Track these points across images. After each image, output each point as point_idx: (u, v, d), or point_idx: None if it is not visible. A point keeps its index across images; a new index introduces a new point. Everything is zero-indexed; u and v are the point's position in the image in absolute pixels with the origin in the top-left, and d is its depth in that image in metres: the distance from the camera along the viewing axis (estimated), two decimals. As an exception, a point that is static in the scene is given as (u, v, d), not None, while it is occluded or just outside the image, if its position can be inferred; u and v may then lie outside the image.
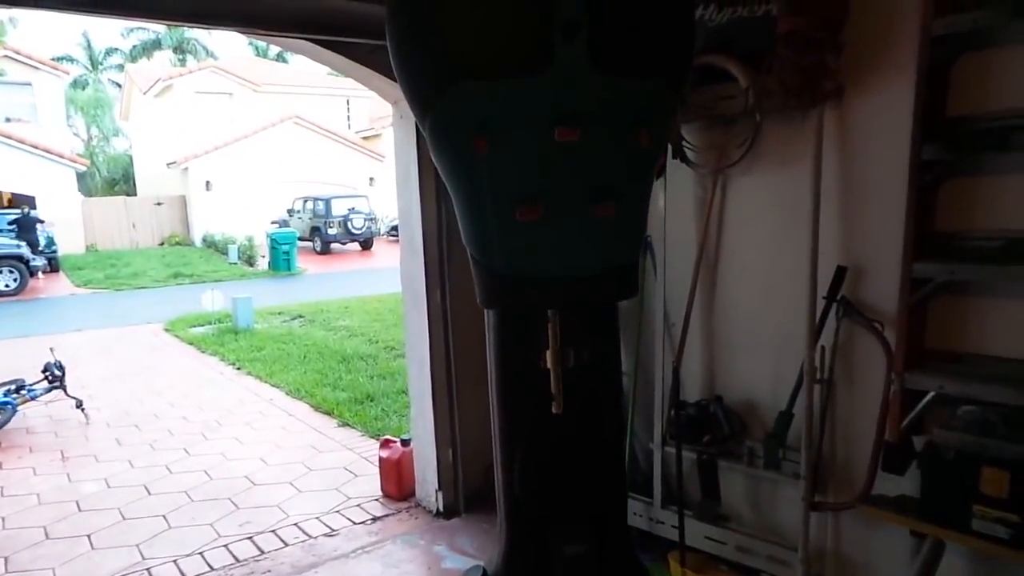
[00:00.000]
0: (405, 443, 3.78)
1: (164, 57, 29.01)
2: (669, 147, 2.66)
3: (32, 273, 14.43)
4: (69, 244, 19.34)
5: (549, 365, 1.42)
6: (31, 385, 5.56)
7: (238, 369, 7.54)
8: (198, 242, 22.22)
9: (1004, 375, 1.93)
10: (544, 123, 1.30)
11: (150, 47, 29.14)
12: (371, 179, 24.02)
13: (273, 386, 6.77)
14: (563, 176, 1.35)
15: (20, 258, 14.11)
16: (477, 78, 1.28)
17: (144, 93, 24.98)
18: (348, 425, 5.40)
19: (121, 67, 29.76)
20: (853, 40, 2.15)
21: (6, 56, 19.78)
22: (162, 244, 22.77)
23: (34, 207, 16.56)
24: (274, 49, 27.17)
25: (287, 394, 6.47)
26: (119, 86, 29.76)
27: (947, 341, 2.14)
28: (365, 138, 25.63)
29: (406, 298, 3.68)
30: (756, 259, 2.62)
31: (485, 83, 1.28)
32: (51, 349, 5.82)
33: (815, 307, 2.34)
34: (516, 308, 1.47)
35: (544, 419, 1.42)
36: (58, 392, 5.69)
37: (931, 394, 2.07)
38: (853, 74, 2.19)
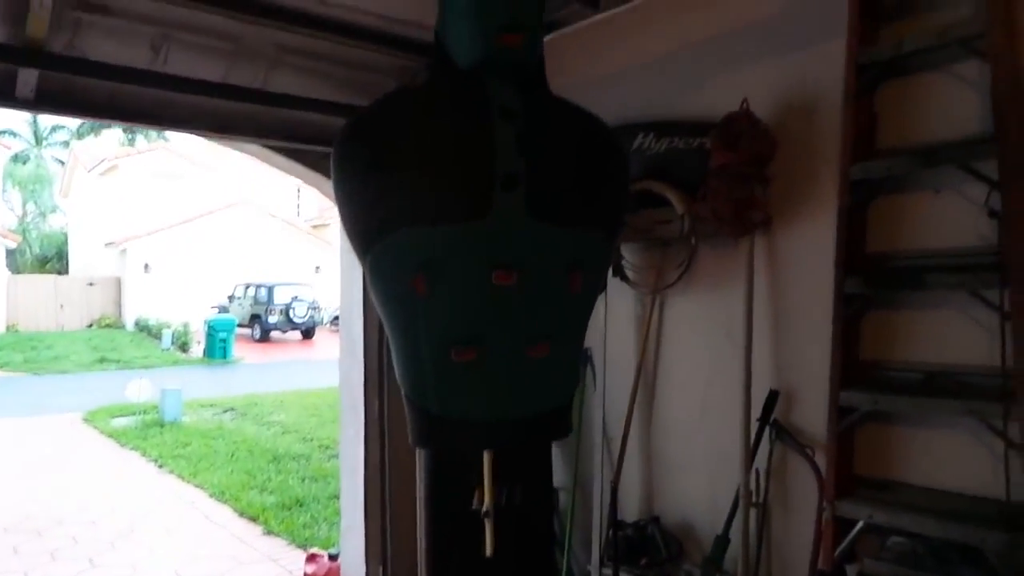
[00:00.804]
0: (333, 558, 3.58)
1: (113, 135, 28.79)
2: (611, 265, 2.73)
3: (-57, 354, 13.59)
4: (-12, 323, 18.40)
5: (481, 505, 1.38)
6: (-76, 482, 5.12)
7: (160, 467, 7.12)
8: (130, 326, 21.41)
9: (929, 506, 1.96)
10: (482, 267, 1.33)
11: (99, 126, 28.93)
12: (317, 267, 23.87)
13: (196, 487, 6.39)
14: (500, 318, 1.36)
15: (-68, 338, 13.30)
16: (418, 224, 1.31)
17: (89, 171, 24.61)
18: (274, 533, 5.10)
19: (67, 144, 29.40)
20: (780, 175, 2.29)
21: (-55, 130, 19.38)
22: (91, 326, 21.84)
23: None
24: (227, 137, 27.26)
25: (211, 496, 6.11)
26: (62, 163, 29.29)
27: (875, 469, 2.17)
28: (315, 227, 25.64)
29: (343, 402, 3.59)
30: (693, 378, 2.66)
31: (425, 228, 1.31)
32: (-48, 443, 5.40)
33: (749, 430, 2.37)
34: (448, 449, 1.44)
35: (474, 560, 1.36)
36: (-46, 490, 5.25)
37: (861, 523, 2.08)
38: (781, 206, 2.32)
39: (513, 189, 1.32)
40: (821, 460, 2.22)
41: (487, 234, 1.32)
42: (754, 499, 2.40)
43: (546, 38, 2.65)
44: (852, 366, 2.12)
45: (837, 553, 2.12)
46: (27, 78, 2.25)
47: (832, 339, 2.08)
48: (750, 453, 2.38)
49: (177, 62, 2.45)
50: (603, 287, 2.69)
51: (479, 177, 1.32)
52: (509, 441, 1.42)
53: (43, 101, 2.35)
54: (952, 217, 1.94)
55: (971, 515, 1.85)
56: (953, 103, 1.91)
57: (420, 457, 1.48)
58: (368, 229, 1.35)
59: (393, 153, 1.34)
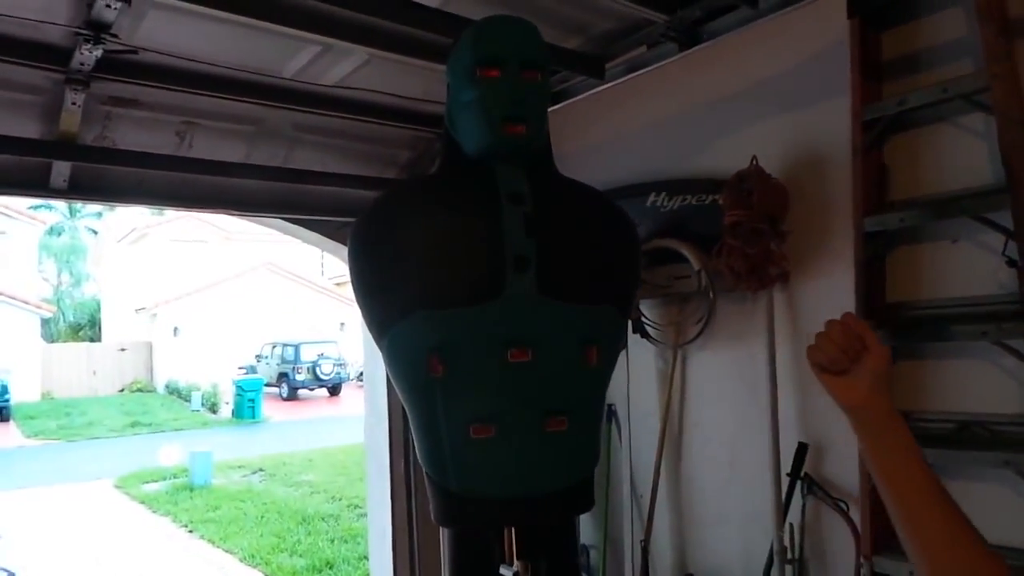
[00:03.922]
0: (363, 626, 3.53)
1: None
2: (630, 321, 2.73)
3: (-20, 424, 13.83)
4: (24, 391, 18.70)
5: (506, 578, 1.38)
6: (-40, 557, 5.17)
7: (190, 532, 7.13)
8: (161, 389, 21.67)
9: (972, 562, 1.90)
10: (497, 345, 1.36)
11: (129, 197, 29.74)
12: (342, 324, 24.06)
13: (226, 551, 6.39)
14: (516, 395, 1.39)
15: (-32, 409, 13.57)
16: (432, 308, 1.35)
17: (119, 241, 25.31)
18: (304, 598, 5.06)
19: (100, 215, 30.31)
20: (796, 229, 2.30)
21: (-17, 208, 20.14)
22: (122, 391, 22.14)
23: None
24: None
25: (240, 560, 6.10)
26: (95, 233, 30.16)
27: (913, 523, 2.11)
28: (338, 284, 25.94)
29: (369, 462, 3.59)
30: (720, 432, 2.63)
31: (440, 312, 1.35)
32: (-13, 517, 5.47)
33: (780, 484, 2.33)
34: (471, 527, 1.45)
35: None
36: (-11, 564, 5.30)
37: (902, 580, 2.02)
38: (798, 260, 2.32)
39: (525, 270, 1.36)
40: (856, 514, 2.17)
41: (501, 314, 1.35)
42: (789, 555, 2.34)
43: (555, 107, 2.75)
44: (880, 418, 2.09)
45: (879, 613, 2.05)
46: (60, 169, 2.36)
47: (858, 392, 2.06)
48: (782, 508, 2.33)
49: (201, 146, 2.56)
50: (623, 345, 2.69)
51: (491, 261, 1.36)
52: (531, 517, 1.42)
53: (75, 189, 2.46)
54: (971, 266, 1.93)
55: (1014, 569, 1.79)
56: (962, 154, 1.92)
57: (443, 534, 1.48)
58: (384, 315, 1.40)
59: (406, 241, 1.39)
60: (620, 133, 2.84)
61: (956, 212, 1.87)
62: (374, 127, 2.86)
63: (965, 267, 1.94)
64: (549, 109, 1.62)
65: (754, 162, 2.26)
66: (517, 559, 1.38)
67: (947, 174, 1.95)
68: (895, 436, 0.87)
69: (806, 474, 2.34)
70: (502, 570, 1.41)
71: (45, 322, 22.83)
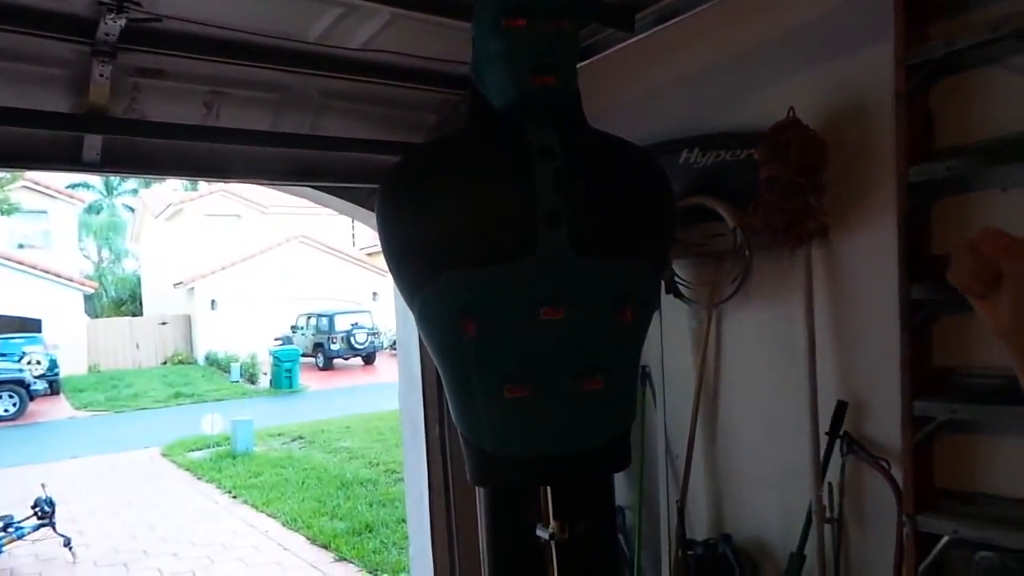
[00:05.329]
0: (403, 585, 3.61)
1: (176, 183, 30.05)
2: (663, 282, 2.69)
3: (32, 397, 14.34)
4: (72, 365, 19.31)
5: (542, 540, 1.37)
6: (19, 522, 5.40)
7: (234, 498, 7.34)
8: (201, 360, 22.20)
9: (1020, 519, 1.86)
10: (530, 304, 1.34)
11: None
12: (374, 294, 24.28)
13: (269, 516, 6.57)
14: (550, 354, 1.37)
15: (20, 382, 14.05)
16: (464, 267, 1.33)
17: (156, 217, 25.75)
18: (345, 559, 5.19)
19: (135, 192, 30.82)
20: (835, 182, 2.22)
21: (24, 187, 20.56)
22: (165, 363, 22.73)
23: (39, 330, 16.68)
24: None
25: (283, 525, 6.27)
26: (132, 210, 30.72)
27: (958, 480, 2.07)
28: (370, 254, 26.13)
29: (404, 428, 3.64)
30: (756, 392, 2.60)
31: (472, 270, 1.33)
32: (43, 485, 5.69)
33: (818, 443, 2.29)
34: (507, 486, 1.45)
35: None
36: (47, 529, 5.52)
37: (946, 538, 1.98)
38: (837, 214, 2.25)
39: (556, 226, 1.33)
40: (897, 473, 2.13)
41: (533, 272, 1.33)
42: (828, 514, 2.32)
43: (584, 63, 2.68)
44: (925, 374, 2.03)
45: (921, 569, 2.02)
46: (92, 143, 2.37)
47: (900, 347, 2.00)
48: (821, 467, 2.31)
49: (228, 115, 2.55)
50: (656, 306, 2.66)
51: (522, 217, 1.33)
52: (567, 476, 1.41)
53: (108, 162, 2.47)
54: (1022, 215, 1.85)
55: None
56: (1015, 96, 1.82)
57: (479, 494, 1.49)
58: (415, 275, 1.38)
59: (434, 200, 1.36)
60: (650, 88, 2.76)
61: (1008, 158, 1.78)
62: (400, 91, 2.83)
63: (1017, 216, 1.86)
64: (577, 65, 1.57)
65: (791, 114, 2.18)
66: (554, 519, 1.38)
67: (998, 118, 1.86)
68: None
69: (845, 432, 2.30)
70: (539, 530, 1.41)
71: (88, 298, 23.44)
